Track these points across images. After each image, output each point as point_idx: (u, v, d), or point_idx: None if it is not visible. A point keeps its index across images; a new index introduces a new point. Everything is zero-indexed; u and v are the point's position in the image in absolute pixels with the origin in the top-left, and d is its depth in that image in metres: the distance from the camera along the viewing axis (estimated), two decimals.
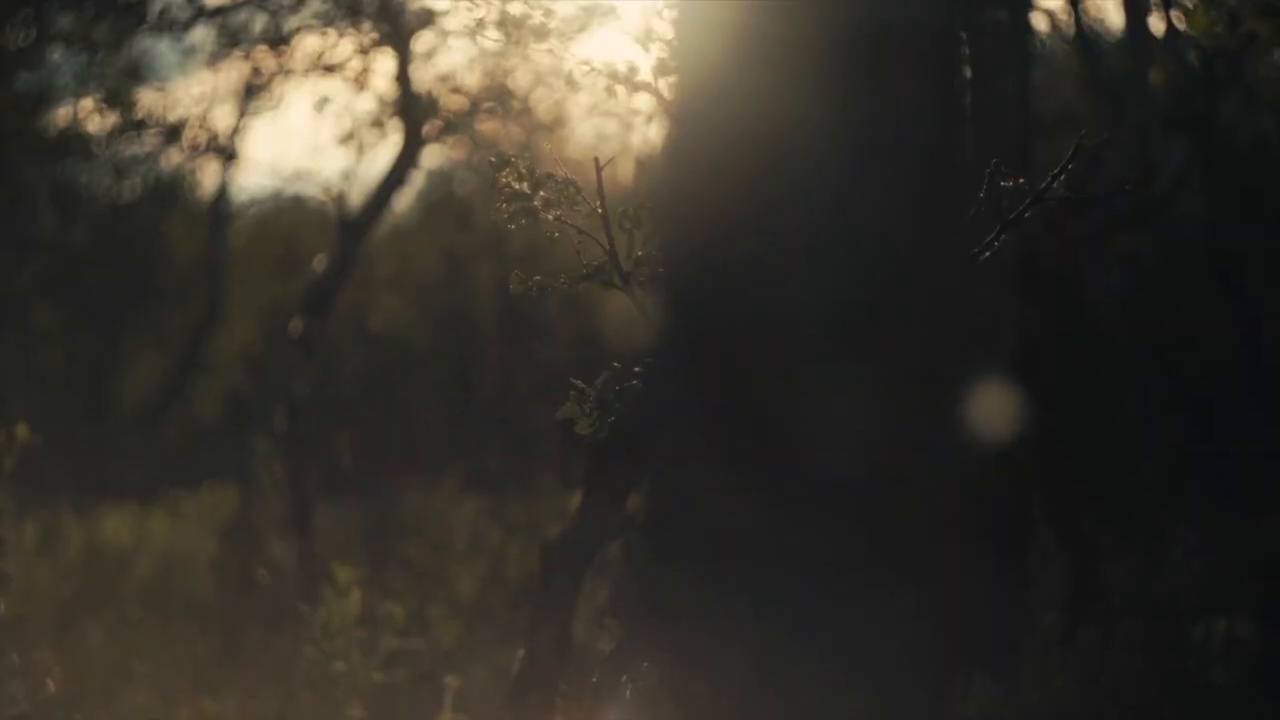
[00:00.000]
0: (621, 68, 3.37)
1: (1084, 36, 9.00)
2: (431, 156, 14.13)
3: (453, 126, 9.98)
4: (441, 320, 15.95)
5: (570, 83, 3.40)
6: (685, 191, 1.40)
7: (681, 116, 1.43)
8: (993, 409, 1.56)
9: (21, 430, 6.66)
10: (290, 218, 15.99)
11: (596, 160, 3.41)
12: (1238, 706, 6.33)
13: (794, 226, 1.39)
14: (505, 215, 3.46)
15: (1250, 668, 6.54)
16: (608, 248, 3.41)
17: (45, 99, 11.66)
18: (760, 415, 1.40)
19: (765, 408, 1.40)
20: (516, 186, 3.43)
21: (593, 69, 3.35)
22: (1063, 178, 3.64)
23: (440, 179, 15.96)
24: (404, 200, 15.35)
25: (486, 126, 10.37)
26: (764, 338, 1.39)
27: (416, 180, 14.06)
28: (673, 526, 1.42)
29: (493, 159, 3.48)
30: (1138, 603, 6.96)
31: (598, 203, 3.41)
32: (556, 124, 10.40)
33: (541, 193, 3.40)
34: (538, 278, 3.47)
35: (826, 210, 1.39)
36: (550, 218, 3.40)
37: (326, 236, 11.84)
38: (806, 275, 1.39)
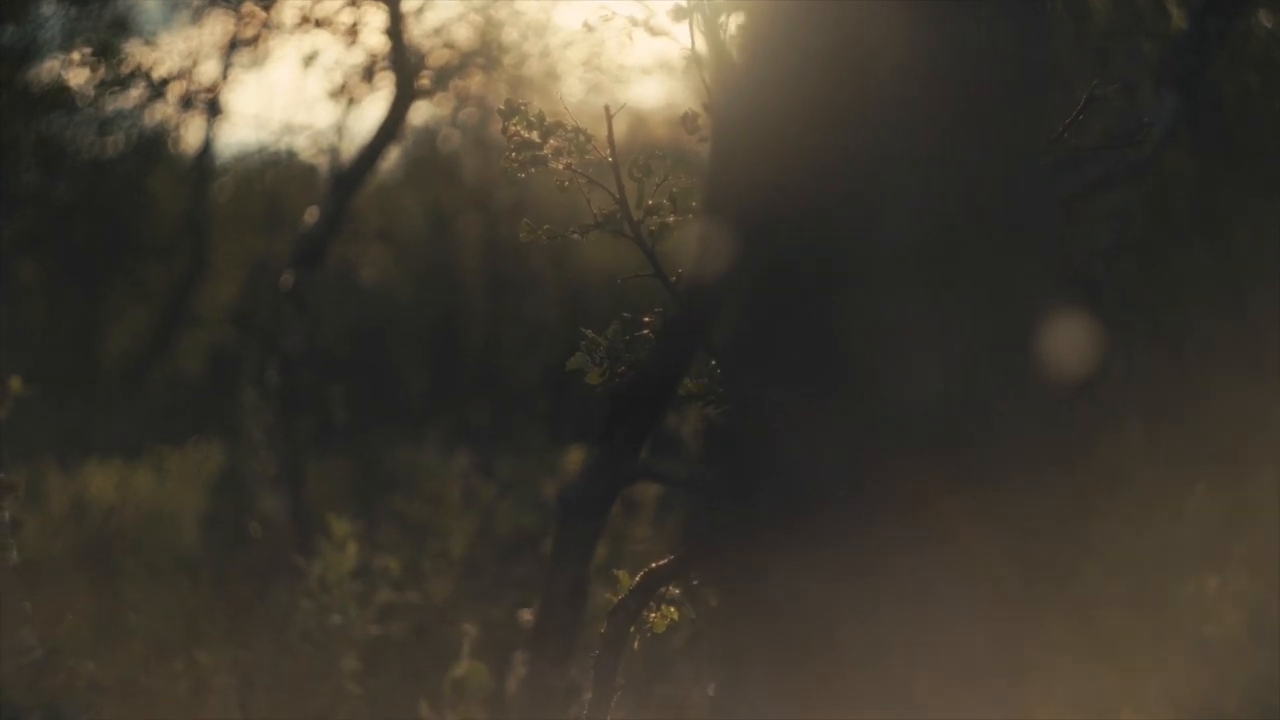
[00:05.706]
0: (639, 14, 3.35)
1: None
2: (423, 111, 14.08)
3: (444, 80, 9.95)
4: (431, 275, 15.94)
5: (587, 28, 3.38)
6: (756, 126, 1.40)
7: (750, 47, 1.42)
8: (1074, 339, 1.56)
9: (15, 382, 6.63)
10: (277, 172, 15.94)
11: (607, 109, 3.39)
12: (1231, 660, 6.36)
13: (873, 156, 1.38)
14: (514, 165, 3.43)
15: (1243, 621, 6.57)
16: (618, 197, 3.40)
17: (32, 53, 11.60)
18: (839, 347, 1.39)
19: (845, 340, 1.39)
20: (526, 135, 3.41)
21: (611, 15, 3.33)
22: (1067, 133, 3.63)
23: (431, 134, 15.92)
24: (394, 155, 15.31)
25: (477, 80, 10.34)
26: (843, 268, 1.38)
27: (407, 135, 14.02)
28: (748, 461, 1.42)
29: (501, 107, 3.45)
30: (1129, 557, 6.98)
31: (608, 152, 3.39)
32: (549, 78, 10.37)
33: (552, 140, 3.38)
34: (547, 226, 3.45)
35: (907, 139, 1.38)
36: (560, 166, 3.38)
37: (313, 191, 11.81)
38: (887, 204, 1.39)
